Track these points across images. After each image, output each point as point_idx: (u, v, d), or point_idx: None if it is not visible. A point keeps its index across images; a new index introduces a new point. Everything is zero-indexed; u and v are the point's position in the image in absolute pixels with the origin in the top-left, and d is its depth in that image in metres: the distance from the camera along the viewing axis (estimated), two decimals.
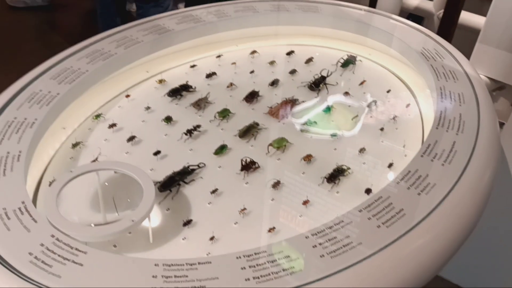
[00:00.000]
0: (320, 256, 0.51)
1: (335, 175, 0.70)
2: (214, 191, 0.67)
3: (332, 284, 0.48)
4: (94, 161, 0.71)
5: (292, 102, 0.86)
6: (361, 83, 0.92)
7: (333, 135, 0.79)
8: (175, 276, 0.49)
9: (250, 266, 0.50)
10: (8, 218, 0.54)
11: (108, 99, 0.86)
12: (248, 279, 0.48)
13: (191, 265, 0.50)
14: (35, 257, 0.50)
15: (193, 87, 0.89)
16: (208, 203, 0.66)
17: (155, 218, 0.63)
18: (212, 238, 0.60)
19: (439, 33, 1.06)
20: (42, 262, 0.49)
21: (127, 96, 0.87)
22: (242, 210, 0.64)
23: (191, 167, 0.70)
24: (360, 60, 0.99)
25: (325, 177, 0.70)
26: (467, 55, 0.92)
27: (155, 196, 0.59)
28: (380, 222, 0.55)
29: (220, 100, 0.86)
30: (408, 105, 0.86)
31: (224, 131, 0.80)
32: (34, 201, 0.65)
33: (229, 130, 0.80)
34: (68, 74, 0.80)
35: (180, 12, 1.02)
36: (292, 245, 0.53)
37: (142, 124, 0.81)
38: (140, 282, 0.48)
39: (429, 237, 0.55)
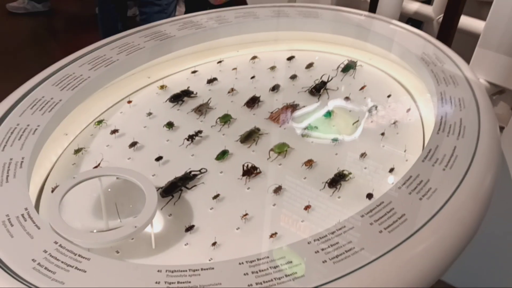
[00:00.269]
0: (323, 262, 0.51)
1: (337, 180, 0.70)
2: (216, 197, 0.68)
3: None
4: (96, 167, 0.71)
5: (293, 107, 0.87)
6: (362, 88, 0.93)
7: (334, 140, 0.79)
8: (178, 282, 0.49)
9: (252, 272, 0.50)
10: (11, 225, 0.54)
11: (110, 105, 0.87)
12: (251, 285, 0.49)
13: (194, 271, 0.50)
14: (38, 264, 0.50)
15: (195, 92, 0.89)
16: (210, 209, 0.66)
17: (157, 224, 0.63)
18: (214, 244, 0.60)
19: (438, 37, 1.06)
20: (45, 268, 0.49)
21: (129, 102, 0.88)
22: (244, 215, 0.64)
23: (193, 173, 0.71)
24: (361, 65, 1.00)
25: (327, 182, 0.70)
26: (467, 59, 0.93)
27: (158, 202, 0.60)
28: (382, 227, 0.55)
29: (221, 106, 0.87)
30: (408, 110, 0.87)
31: (226, 136, 0.80)
32: (37, 207, 0.66)
33: (231, 136, 0.80)
34: (70, 80, 0.80)
35: (181, 18, 1.02)
36: (294, 250, 0.53)
37: (144, 130, 0.81)
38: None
39: (431, 242, 0.55)
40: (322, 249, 0.53)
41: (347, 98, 0.90)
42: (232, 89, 0.91)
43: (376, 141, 0.79)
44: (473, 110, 0.75)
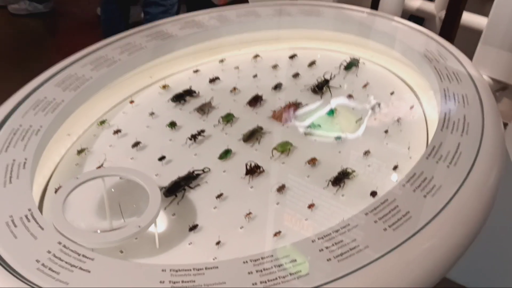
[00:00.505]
0: (327, 260, 0.51)
1: (340, 178, 0.70)
2: (219, 196, 0.67)
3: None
4: (99, 167, 0.71)
5: (296, 105, 0.86)
6: (364, 86, 0.92)
7: (337, 138, 0.79)
8: (183, 281, 0.49)
9: (257, 271, 0.50)
10: (15, 226, 0.54)
11: (112, 105, 0.87)
12: (255, 284, 0.48)
13: (198, 270, 0.50)
14: (42, 264, 0.50)
15: (197, 92, 0.89)
16: (214, 208, 0.66)
17: (161, 224, 0.63)
18: (218, 243, 0.60)
19: (441, 34, 1.06)
20: (50, 269, 0.49)
21: (131, 102, 0.87)
22: (248, 214, 0.64)
23: (196, 172, 0.71)
24: (363, 63, 1.00)
25: (330, 180, 0.70)
26: (470, 55, 0.92)
27: (161, 202, 0.59)
28: (387, 225, 0.55)
29: (224, 105, 0.87)
30: (412, 107, 0.86)
31: (228, 135, 0.80)
32: (40, 208, 0.65)
33: (233, 135, 0.80)
34: (72, 81, 0.80)
35: (183, 18, 1.02)
36: (298, 249, 0.53)
37: (146, 130, 0.81)
38: (148, 287, 0.48)
39: (436, 240, 0.54)
40: (326, 248, 0.52)
41: (350, 96, 0.90)
42: (235, 88, 0.91)
43: (380, 139, 0.79)
44: (476, 107, 0.75)
